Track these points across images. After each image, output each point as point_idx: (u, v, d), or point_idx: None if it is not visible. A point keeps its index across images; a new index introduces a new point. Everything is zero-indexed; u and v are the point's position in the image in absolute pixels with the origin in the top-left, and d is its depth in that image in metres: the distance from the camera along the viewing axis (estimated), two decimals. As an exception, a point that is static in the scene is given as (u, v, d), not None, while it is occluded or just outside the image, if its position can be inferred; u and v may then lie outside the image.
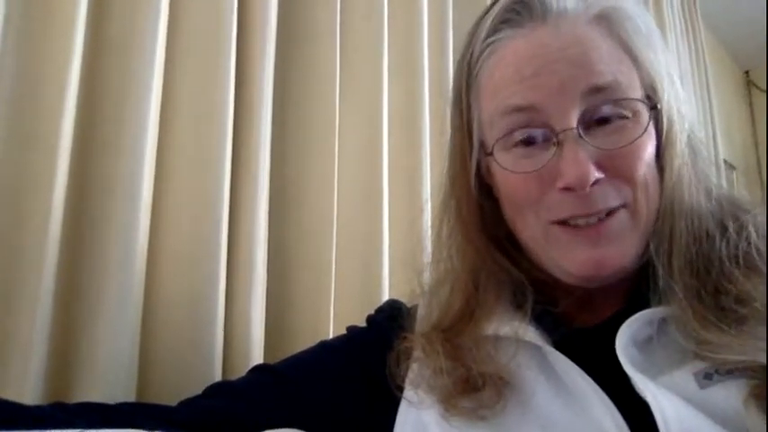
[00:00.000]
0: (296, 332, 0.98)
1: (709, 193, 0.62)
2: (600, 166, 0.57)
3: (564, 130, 0.58)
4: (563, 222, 0.60)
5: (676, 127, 0.62)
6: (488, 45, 0.64)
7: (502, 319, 0.62)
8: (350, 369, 0.70)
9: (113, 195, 0.78)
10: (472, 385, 0.59)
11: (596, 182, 0.57)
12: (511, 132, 0.61)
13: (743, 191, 0.66)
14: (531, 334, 0.60)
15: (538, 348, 0.60)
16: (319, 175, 1.04)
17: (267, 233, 0.94)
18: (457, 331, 0.64)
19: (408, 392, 0.63)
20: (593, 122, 0.59)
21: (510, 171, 0.61)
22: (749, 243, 0.58)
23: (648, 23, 0.63)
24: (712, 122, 2.77)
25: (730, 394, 0.50)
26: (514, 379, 0.60)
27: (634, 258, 0.59)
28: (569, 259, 0.59)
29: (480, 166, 0.67)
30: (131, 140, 0.79)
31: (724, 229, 0.59)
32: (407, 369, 0.65)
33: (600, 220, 0.58)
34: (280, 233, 1.00)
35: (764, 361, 0.49)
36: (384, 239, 1.10)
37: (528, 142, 0.60)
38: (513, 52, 0.62)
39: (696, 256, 0.58)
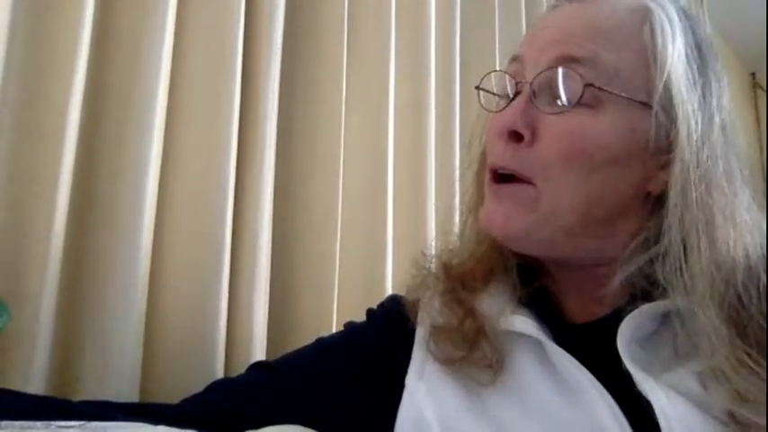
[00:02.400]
0: (299, 329, 0.98)
1: (736, 209, 0.58)
2: (531, 130, 0.59)
3: (521, 82, 0.61)
4: (493, 177, 0.62)
5: (694, 141, 0.58)
6: (546, 11, 0.68)
7: (501, 310, 0.64)
8: (348, 365, 0.70)
9: (119, 191, 0.78)
10: (471, 361, 0.62)
11: (517, 138, 0.59)
12: (495, 73, 0.66)
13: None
14: (530, 327, 0.60)
15: (538, 342, 0.60)
16: (324, 173, 1.05)
17: (271, 230, 0.95)
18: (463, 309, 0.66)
19: (409, 383, 0.64)
20: (546, 101, 0.60)
21: (484, 108, 0.66)
22: None
23: (687, 33, 0.61)
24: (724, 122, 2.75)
25: (730, 396, 0.50)
26: (514, 369, 0.60)
27: (525, 231, 0.60)
28: (481, 214, 0.63)
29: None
30: (137, 136, 0.80)
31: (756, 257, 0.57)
32: (407, 356, 0.67)
33: (506, 179, 0.61)
34: (284, 230, 1.00)
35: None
36: (388, 237, 1.10)
37: (508, 97, 0.63)
38: (545, 17, 0.66)
39: (716, 257, 0.56)
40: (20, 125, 0.73)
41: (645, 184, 0.60)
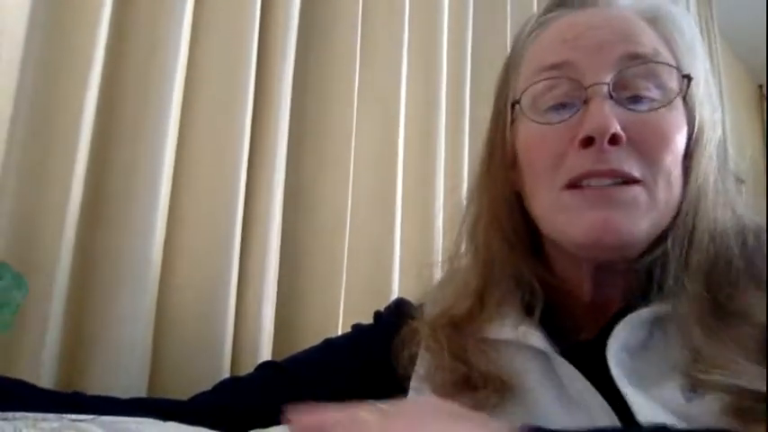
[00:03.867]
0: (305, 329, 0.99)
1: (733, 204, 0.60)
2: (625, 131, 0.55)
3: (593, 85, 0.57)
4: (575, 186, 0.57)
5: (708, 132, 0.60)
6: (540, 23, 0.66)
7: (508, 322, 0.62)
8: (355, 366, 0.71)
9: (132, 188, 0.79)
10: (473, 384, 0.59)
11: (617, 141, 0.55)
12: (540, 84, 0.60)
13: (750, 203, 0.64)
14: (537, 340, 0.60)
15: (544, 355, 0.60)
16: (334, 175, 1.05)
17: (281, 231, 0.95)
18: (462, 328, 0.64)
19: (414, 384, 0.64)
20: (626, 99, 0.57)
21: (533, 120, 0.60)
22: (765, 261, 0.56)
23: (693, 31, 0.63)
24: (724, 135, 2.75)
25: (711, 409, 0.49)
26: (518, 384, 0.59)
27: (642, 238, 0.57)
28: (576, 224, 0.57)
29: (506, 142, 0.65)
30: (151, 135, 0.80)
31: (744, 243, 0.57)
32: (413, 357, 0.66)
33: (615, 184, 0.56)
34: (293, 231, 1.01)
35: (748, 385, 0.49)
36: (396, 241, 1.11)
37: (558, 108, 0.60)
38: (560, 23, 0.63)
39: (715, 260, 0.56)
40: (35, 120, 0.74)
41: None
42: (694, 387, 0.51)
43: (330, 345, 0.75)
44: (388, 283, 1.08)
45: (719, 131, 0.63)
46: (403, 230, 1.13)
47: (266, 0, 0.98)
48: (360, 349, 0.72)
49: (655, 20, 0.61)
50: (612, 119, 0.55)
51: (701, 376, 0.50)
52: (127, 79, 0.82)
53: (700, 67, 0.62)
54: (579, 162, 0.57)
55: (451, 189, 1.23)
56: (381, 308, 0.78)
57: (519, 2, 1.56)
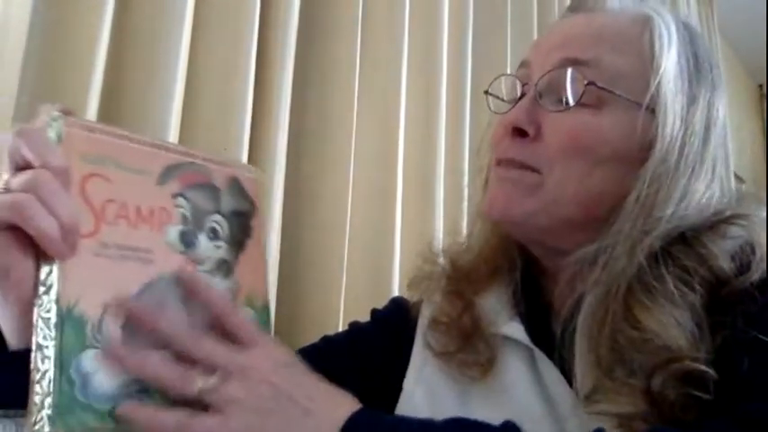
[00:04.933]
0: (305, 327, 0.99)
1: (685, 211, 0.58)
2: (537, 127, 0.61)
3: (526, 84, 0.63)
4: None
5: (674, 143, 0.59)
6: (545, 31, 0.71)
7: (496, 298, 0.66)
8: (351, 364, 0.71)
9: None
10: (468, 350, 0.64)
11: (521, 134, 0.61)
12: (502, 78, 0.69)
13: (751, 203, 0.64)
14: (523, 335, 0.62)
15: (529, 349, 0.62)
16: (334, 174, 1.06)
17: (281, 229, 0.96)
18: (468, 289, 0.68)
19: (407, 386, 0.67)
20: (552, 100, 0.61)
21: (493, 111, 0.68)
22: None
23: (684, 42, 0.63)
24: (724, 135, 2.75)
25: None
26: (501, 373, 0.63)
27: (527, 216, 0.61)
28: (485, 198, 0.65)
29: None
30: (152, 134, 0.80)
31: (668, 256, 0.56)
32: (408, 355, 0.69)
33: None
34: (293, 229, 1.01)
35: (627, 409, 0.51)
36: (396, 237, 1.11)
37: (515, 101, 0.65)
38: (553, 25, 0.69)
39: (641, 264, 0.55)
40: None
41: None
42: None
43: (327, 342, 0.76)
44: (388, 283, 1.08)
45: (699, 127, 0.61)
46: (403, 228, 1.13)
47: (266, 0, 0.99)
48: (356, 347, 0.74)
49: (643, 25, 0.62)
50: (522, 114, 0.61)
51: (588, 404, 0.54)
52: (128, 79, 0.83)
53: (685, 81, 0.61)
54: (500, 149, 0.64)
55: (451, 187, 1.24)
56: (381, 305, 0.79)
57: (519, 2, 1.57)
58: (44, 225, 0.45)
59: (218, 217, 0.55)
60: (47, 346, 0.44)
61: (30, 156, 0.45)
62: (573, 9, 0.67)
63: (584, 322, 0.56)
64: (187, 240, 0.53)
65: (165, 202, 0.52)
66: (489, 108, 0.70)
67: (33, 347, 0.44)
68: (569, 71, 0.60)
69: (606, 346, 0.54)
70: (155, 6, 0.85)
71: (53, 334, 0.44)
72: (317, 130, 1.07)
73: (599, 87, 0.59)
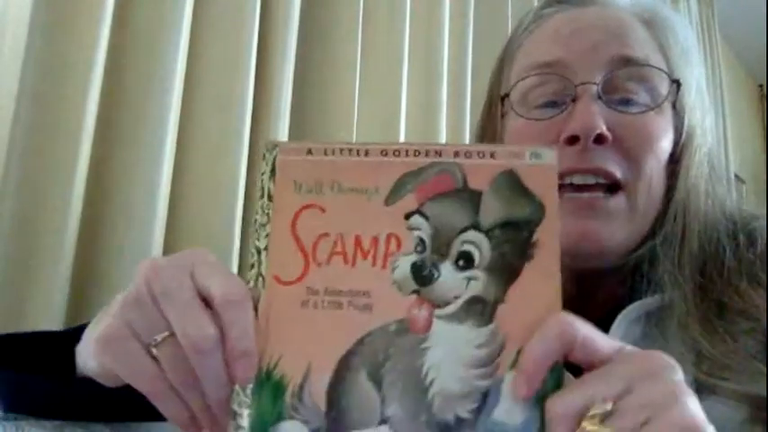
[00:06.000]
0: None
1: (723, 207, 0.60)
2: (611, 131, 0.55)
3: (583, 84, 0.57)
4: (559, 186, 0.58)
5: (698, 138, 0.61)
6: (537, 17, 0.66)
7: None
8: None
9: (133, 185, 0.79)
10: None
11: (601, 141, 0.55)
12: (529, 79, 0.60)
13: (751, 203, 0.65)
14: None
15: None
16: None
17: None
18: None
19: None
20: (615, 101, 0.57)
21: (520, 116, 0.60)
22: (758, 259, 0.56)
23: (688, 37, 0.64)
24: (725, 135, 2.76)
25: (725, 415, 0.48)
26: None
27: (622, 245, 0.57)
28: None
29: (496, 134, 0.66)
30: (152, 132, 0.81)
31: (736, 242, 0.57)
32: None
33: (597, 184, 0.56)
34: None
35: (763, 392, 0.48)
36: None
37: (547, 105, 0.60)
38: (556, 20, 0.63)
39: (707, 257, 0.56)
40: (37, 118, 0.74)
41: None
42: (699, 389, 0.51)
43: None
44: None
45: (710, 138, 0.63)
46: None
47: (266, 0, 0.99)
48: None
49: (650, 22, 0.62)
50: (599, 118, 0.55)
51: (706, 379, 0.50)
52: (128, 79, 0.83)
53: (693, 72, 0.62)
54: (563, 159, 0.55)
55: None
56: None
57: (519, 2, 1.57)
58: (173, 413, 0.39)
59: (473, 234, 0.40)
60: (241, 415, 0.37)
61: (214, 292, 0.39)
62: (580, 2, 0.64)
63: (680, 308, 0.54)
64: (422, 274, 0.39)
65: (394, 225, 0.40)
66: (505, 113, 0.64)
67: (230, 415, 0.37)
68: (653, 71, 0.58)
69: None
70: (154, 6, 0.84)
71: (249, 401, 0.37)
72: (317, 130, 1.07)
73: (679, 86, 0.58)
